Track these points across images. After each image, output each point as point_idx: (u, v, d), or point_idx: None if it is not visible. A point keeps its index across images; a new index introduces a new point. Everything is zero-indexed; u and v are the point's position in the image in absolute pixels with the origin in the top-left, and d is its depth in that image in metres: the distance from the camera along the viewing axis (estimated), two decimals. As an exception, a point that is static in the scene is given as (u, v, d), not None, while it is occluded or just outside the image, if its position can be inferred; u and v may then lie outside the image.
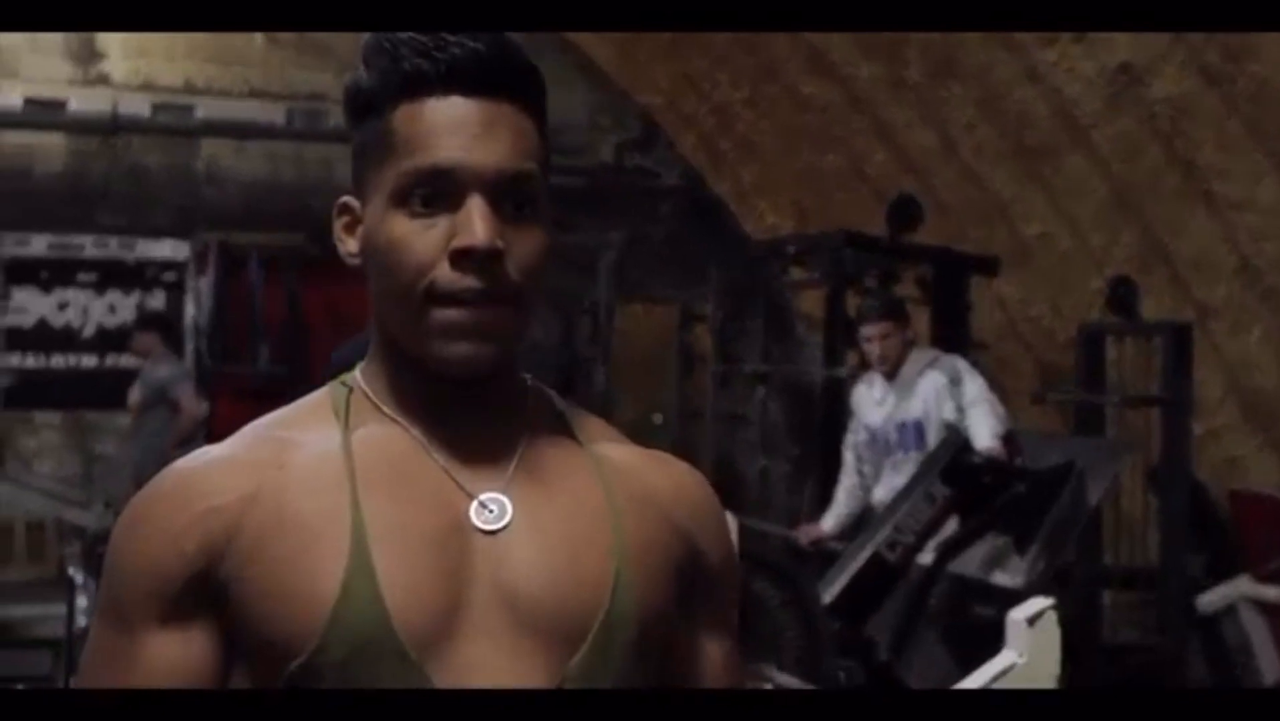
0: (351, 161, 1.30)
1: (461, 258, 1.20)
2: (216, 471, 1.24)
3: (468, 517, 1.23)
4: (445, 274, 1.21)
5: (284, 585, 1.18)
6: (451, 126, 1.22)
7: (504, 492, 1.25)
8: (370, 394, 1.30)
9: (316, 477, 1.23)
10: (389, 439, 1.27)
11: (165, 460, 1.43)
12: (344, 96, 1.30)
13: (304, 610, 1.17)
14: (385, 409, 1.29)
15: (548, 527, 1.25)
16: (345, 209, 1.31)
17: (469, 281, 1.20)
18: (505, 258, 1.21)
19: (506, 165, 1.22)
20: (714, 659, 1.37)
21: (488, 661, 1.19)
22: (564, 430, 1.35)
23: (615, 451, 1.36)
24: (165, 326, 8.05)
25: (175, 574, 1.20)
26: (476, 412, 1.29)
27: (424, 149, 1.22)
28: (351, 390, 1.31)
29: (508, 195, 1.23)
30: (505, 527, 1.24)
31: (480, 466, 1.26)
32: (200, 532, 1.21)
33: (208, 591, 1.21)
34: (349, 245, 1.31)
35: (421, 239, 1.21)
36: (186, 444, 6.49)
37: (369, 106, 1.26)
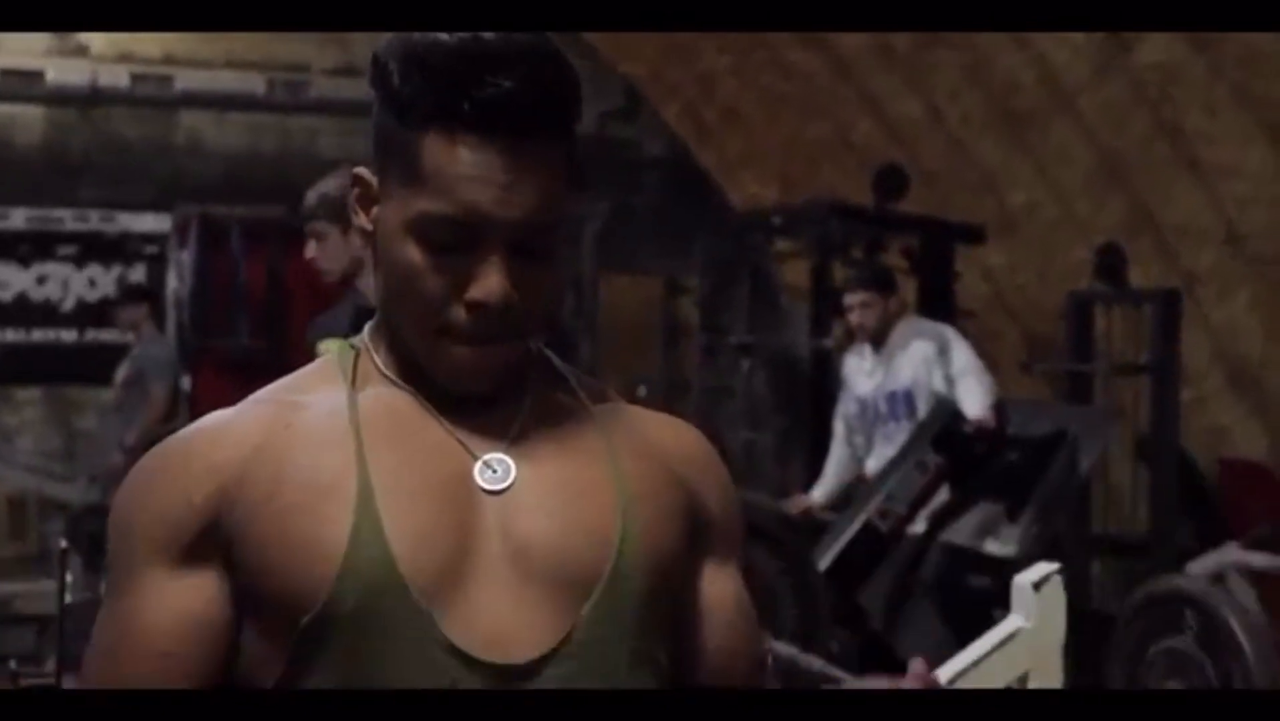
0: (373, 130, 1.28)
1: (475, 308, 1.22)
2: (225, 428, 1.27)
3: (473, 477, 1.25)
4: (458, 316, 1.23)
5: (293, 536, 1.20)
6: (479, 175, 1.21)
7: (508, 452, 1.27)
8: (375, 355, 1.32)
9: (323, 433, 1.25)
10: (395, 400, 1.29)
11: (128, 451, 1.45)
12: (372, 62, 1.26)
13: (314, 560, 1.19)
14: (390, 373, 1.30)
15: (553, 483, 1.27)
16: (360, 180, 1.31)
17: (480, 326, 1.23)
18: (516, 300, 1.23)
19: (531, 217, 1.23)
20: (725, 604, 1.38)
21: (496, 608, 1.21)
22: (566, 390, 1.37)
23: (616, 410, 1.38)
24: (151, 299, 7.98)
25: (185, 524, 1.23)
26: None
27: (449, 194, 1.21)
28: (359, 352, 1.33)
29: (526, 243, 1.24)
30: (510, 486, 1.25)
31: (485, 427, 1.28)
32: (209, 484, 1.23)
33: (217, 542, 1.23)
34: (362, 219, 1.31)
35: (436, 279, 1.23)
36: (150, 438, 6.41)
37: (396, 105, 1.24)
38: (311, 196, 3.64)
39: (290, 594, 1.19)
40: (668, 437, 1.38)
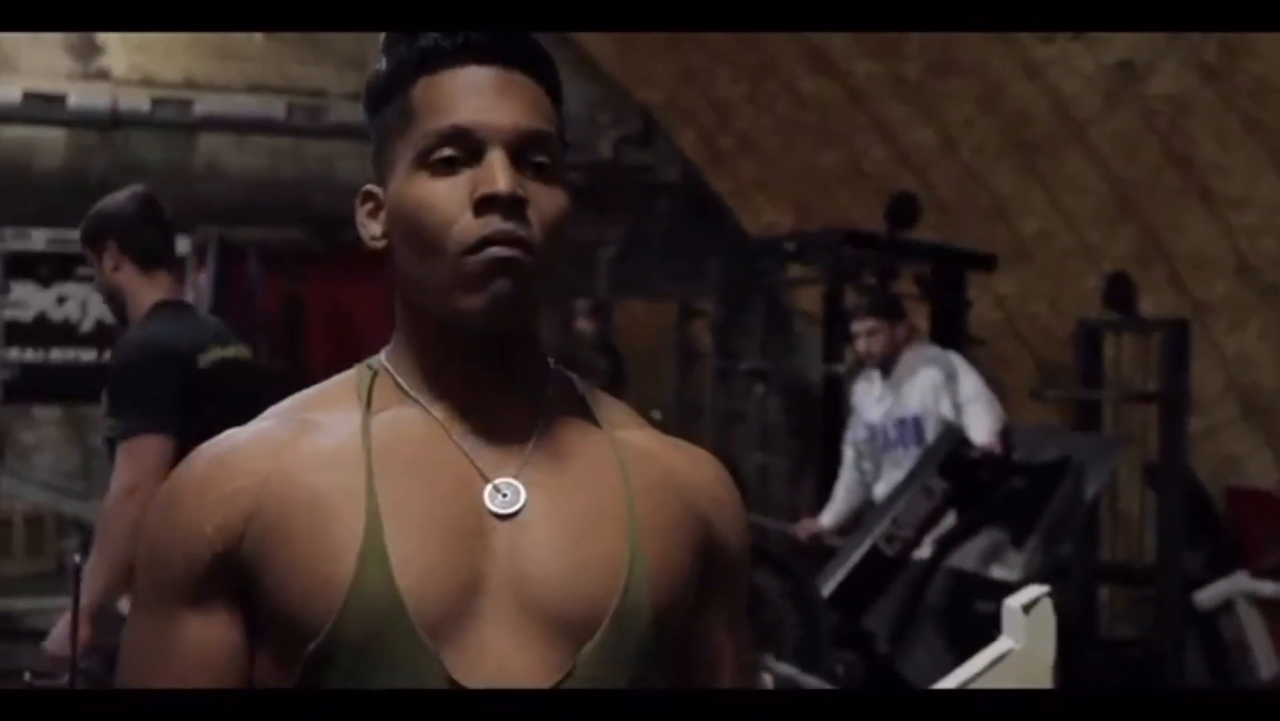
0: (373, 150, 1.33)
1: (485, 205, 1.23)
2: (238, 454, 1.26)
3: (483, 501, 1.25)
4: (470, 223, 1.23)
5: (300, 564, 1.20)
6: (469, 90, 1.26)
7: (518, 476, 1.26)
8: (394, 375, 1.32)
9: (334, 458, 1.25)
10: (409, 420, 1.28)
11: None
12: (365, 88, 1.34)
13: (320, 589, 1.19)
14: (408, 390, 1.30)
15: (563, 512, 1.26)
16: (368, 196, 1.34)
17: (493, 226, 1.22)
18: (527, 208, 1.24)
19: (524, 123, 1.26)
20: (728, 647, 1.38)
21: (500, 645, 1.21)
22: (584, 413, 1.36)
23: (635, 436, 1.36)
24: None
25: (200, 556, 1.23)
26: (498, 391, 1.30)
27: (444, 111, 1.25)
28: (376, 373, 1.33)
29: (526, 154, 1.26)
30: (520, 511, 1.25)
31: (498, 448, 1.28)
32: (222, 515, 1.23)
33: (231, 572, 1.23)
34: (372, 229, 1.33)
35: (445, 194, 1.24)
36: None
37: (388, 91, 1.30)
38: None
39: (297, 620, 1.20)
40: (687, 470, 1.36)
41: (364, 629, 1.18)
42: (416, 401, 1.30)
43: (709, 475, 1.38)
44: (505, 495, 1.25)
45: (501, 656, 1.20)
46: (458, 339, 1.28)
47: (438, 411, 1.29)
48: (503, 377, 1.30)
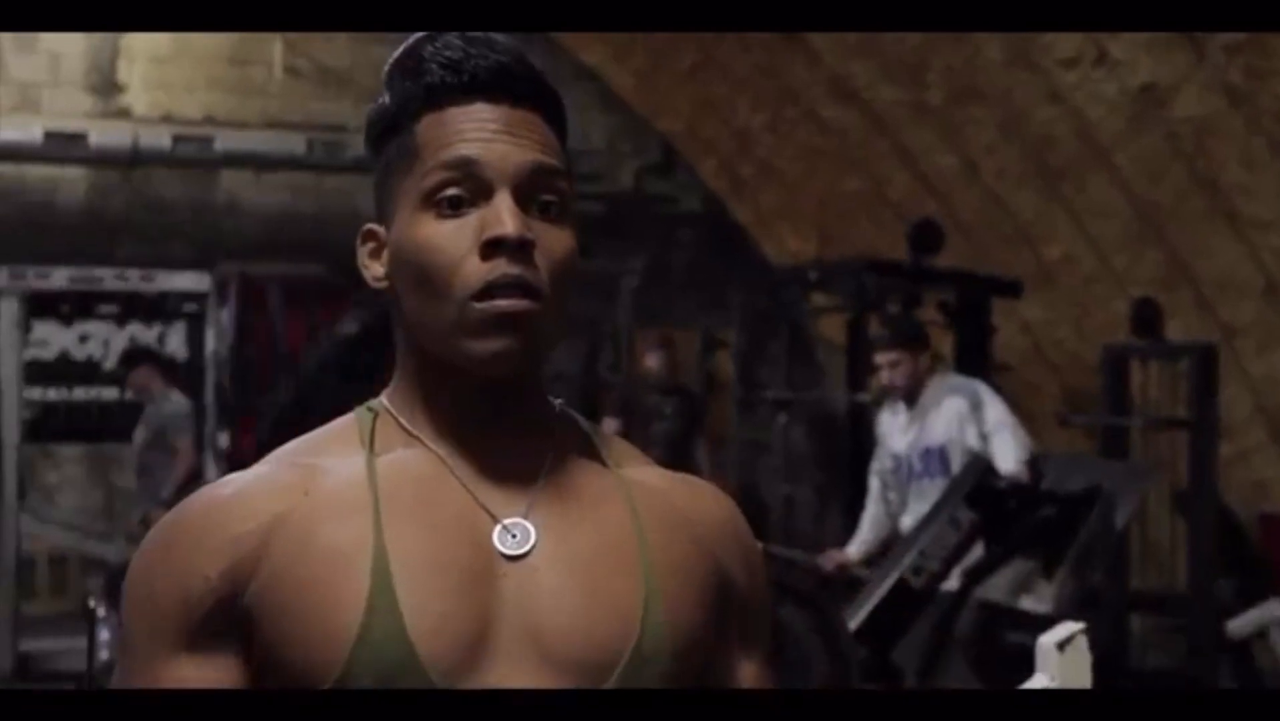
0: (374, 187, 1.30)
1: (491, 249, 1.20)
2: (242, 498, 1.23)
3: (492, 542, 1.21)
4: (476, 267, 1.20)
5: (307, 613, 1.17)
6: (476, 125, 1.23)
7: (527, 516, 1.23)
8: (397, 416, 1.29)
9: (340, 504, 1.21)
10: (414, 462, 1.25)
11: (166, 505, 1.42)
12: (366, 123, 1.31)
13: (327, 638, 1.16)
14: (411, 431, 1.27)
15: (574, 553, 1.23)
16: (370, 235, 1.31)
17: (500, 271, 1.19)
18: (534, 251, 1.21)
19: (531, 160, 1.23)
20: (750, 686, 1.34)
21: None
22: (590, 452, 1.32)
23: (642, 474, 1.33)
24: (154, 359, 8.02)
25: (201, 600, 1.19)
26: (504, 433, 1.27)
27: (449, 146, 1.22)
28: (377, 415, 1.30)
29: (533, 192, 1.23)
30: (530, 552, 1.21)
31: (506, 488, 1.24)
32: (226, 559, 1.19)
33: (233, 618, 1.19)
34: (374, 269, 1.30)
35: (451, 237, 1.21)
36: (185, 490, 6.43)
37: (393, 125, 1.27)
38: None
39: (305, 668, 1.16)
40: (696, 507, 1.33)
41: (375, 676, 1.15)
42: (420, 442, 1.27)
43: (716, 510, 1.34)
44: (515, 536, 1.22)
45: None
46: (462, 380, 1.25)
47: (442, 451, 1.26)
48: (507, 417, 1.27)
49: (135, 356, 8.07)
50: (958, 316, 6.79)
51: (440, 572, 1.19)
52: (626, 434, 6.73)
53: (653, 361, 7.79)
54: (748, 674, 1.34)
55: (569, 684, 1.18)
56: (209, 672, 1.19)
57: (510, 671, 1.18)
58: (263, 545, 1.19)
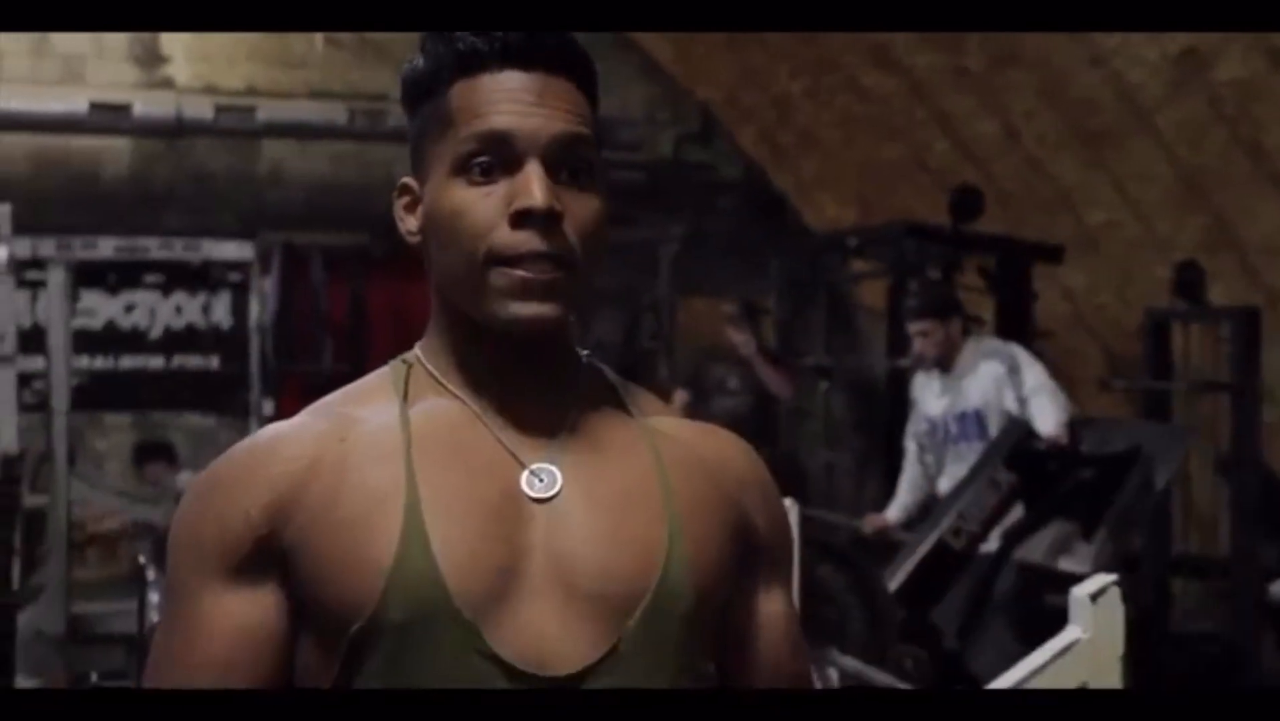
0: (409, 146, 1.34)
1: (520, 220, 1.24)
2: (282, 443, 1.29)
3: (520, 486, 1.26)
4: (505, 236, 1.24)
5: (343, 551, 1.22)
6: (507, 95, 1.26)
7: (554, 461, 1.28)
8: (429, 367, 1.34)
9: (375, 449, 1.26)
10: (445, 411, 1.30)
11: None
12: (401, 84, 1.35)
13: (362, 575, 1.21)
14: (443, 381, 1.32)
15: (599, 495, 1.27)
16: (405, 189, 1.35)
17: (528, 243, 1.24)
18: (563, 221, 1.24)
19: (562, 130, 1.26)
20: (772, 625, 1.38)
21: (541, 622, 1.22)
22: (616, 402, 1.37)
23: (666, 423, 1.38)
24: (168, 452, 8.14)
25: (242, 538, 1.24)
26: (531, 383, 1.31)
27: (481, 116, 1.26)
28: (411, 366, 1.35)
29: (563, 161, 1.26)
30: (557, 495, 1.26)
31: (533, 435, 1.29)
32: (266, 497, 1.25)
33: (273, 555, 1.24)
34: (409, 223, 1.35)
35: (481, 204, 1.25)
36: None
37: (426, 89, 1.31)
38: None
39: (341, 604, 1.21)
40: (716, 452, 1.38)
41: (407, 610, 1.20)
42: (451, 392, 1.32)
43: (739, 457, 1.39)
44: (542, 480, 1.27)
45: (543, 632, 1.22)
46: (490, 335, 1.29)
47: (472, 401, 1.31)
48: (535, 369, 1.32)
49: (153, 451, 8.20)
50: (999, 282, 6.76)
51: (470, 513, 1.23)
52: (696, 411, 6.69)
53: (738, 336, 7.37)
54: (769, 613, 1.38)
55: (595, 618, 1.23)
56: (250, 606, 1.24)
57: (537, 606, 1.22)
58: (301, 486, 1.24)
